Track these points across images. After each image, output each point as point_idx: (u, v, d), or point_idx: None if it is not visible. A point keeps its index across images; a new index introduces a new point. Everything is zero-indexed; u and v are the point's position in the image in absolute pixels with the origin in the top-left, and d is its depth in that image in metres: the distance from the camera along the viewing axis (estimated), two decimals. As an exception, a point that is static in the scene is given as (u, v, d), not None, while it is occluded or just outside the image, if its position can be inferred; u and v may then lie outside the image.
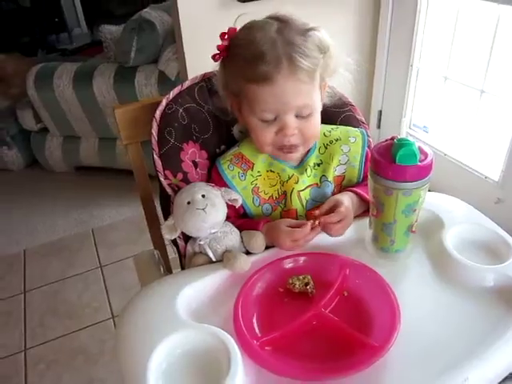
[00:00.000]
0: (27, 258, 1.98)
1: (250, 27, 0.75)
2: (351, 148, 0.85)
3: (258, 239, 0.75)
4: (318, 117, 0.79)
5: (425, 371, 0.56)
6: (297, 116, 0.76)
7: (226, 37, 0.76)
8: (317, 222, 0.74)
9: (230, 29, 0.76)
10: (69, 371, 1.48)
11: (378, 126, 2.28)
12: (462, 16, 1.78)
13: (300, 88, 0.73)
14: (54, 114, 2.26)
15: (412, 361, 0.58)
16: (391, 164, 0.64)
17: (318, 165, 0.85)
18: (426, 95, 2.05)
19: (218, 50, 0.76)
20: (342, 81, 0.82)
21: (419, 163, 0.64)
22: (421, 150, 0.65)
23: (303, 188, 0.83)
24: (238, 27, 0.77)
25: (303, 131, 0.77)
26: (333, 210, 0.76)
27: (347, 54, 0.81)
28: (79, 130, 2.32)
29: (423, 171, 0.64)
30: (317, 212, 0.76)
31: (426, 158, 0.65)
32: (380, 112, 2.26)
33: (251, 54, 0.72)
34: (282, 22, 0.74)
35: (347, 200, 0.79)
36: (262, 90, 0.73)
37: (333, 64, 0.78)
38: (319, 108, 0.80)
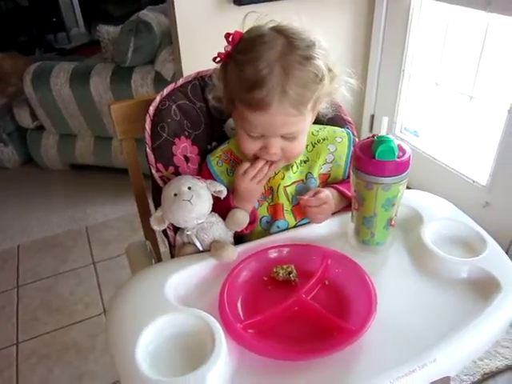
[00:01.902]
0: (21, 254, 1.99)
1: (254, 41, 0.74)
2: (337, 147, 0.88)
3: (240, 214, 0.79)
4: (303, 137, 0.82)
5: (397, 353, 0.59)
6: (282, 137, 0.78)
7: (231, 39, 0.76)
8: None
9: (235, 32, 0.76)
10: (60, 365, 1.50)
11: (371, 130, 2.33)
12: (453, 23, 1.82)
13: (288, 120, 0.75)
14: (51, 112, 2.28)
15: (386, 344, 0.61)
16: (371, 159, 0.67)
17: (305, 162, 0.88)
18: (417, 100, 2.09)
19: (219, 56, 0.77)
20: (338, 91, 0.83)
21: (397, 159, 0.67)
22: (399, 147, 0.68)
23: (289, 184, 0.86)
24: (246, 26, 0.77)
25: (286, 151, 0.80)
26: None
27: (339, 58, 0.81)
28: (75, 128, 2.34)
29: (401, 167, 0.68)
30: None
31: (404, 154, 0.68)
32: (372, 116, 2.30)
33: (248, 77, 0.72)
34: (287, 42, 0.73)
35: (328, 191, 0.83)
36: (252, 115, 0.75)
37: (334, 86, 0.79)
38: (307, 128, 0.82)
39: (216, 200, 0.80)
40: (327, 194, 0.81)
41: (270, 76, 0.71)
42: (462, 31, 1.81)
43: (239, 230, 0.81)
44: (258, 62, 0.71)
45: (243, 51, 0.74)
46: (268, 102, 0.72)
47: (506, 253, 0.75)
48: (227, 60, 0.77)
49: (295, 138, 0.79)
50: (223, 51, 0.77)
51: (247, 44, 0.75)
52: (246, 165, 0.81)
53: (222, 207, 0.82)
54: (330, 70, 0.76)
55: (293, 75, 0.71)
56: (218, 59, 0.78)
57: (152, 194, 0.91)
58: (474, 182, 1.83)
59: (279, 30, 0.75)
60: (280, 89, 0.71)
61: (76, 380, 1.44)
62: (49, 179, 2.50)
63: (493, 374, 1.37)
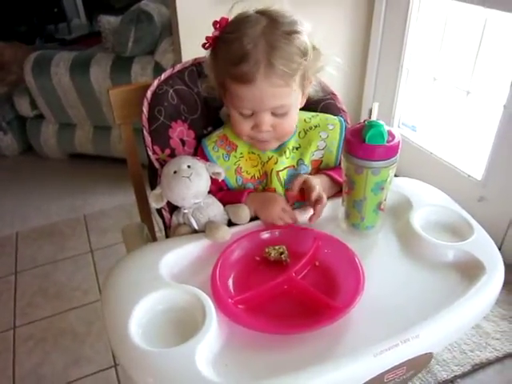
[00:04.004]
0: (19, 241, 2.01)
1: (239, 22, 0.78)
2: (329, 134, 0.90)
3: (245, 211, 0.81)
4: (293, 114, 0.83)
5: (382, 329, 0.61)
6: (273, 113, 0.80)
7: (218, 26, 0.79)
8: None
9: (222, 18, 0.79)
10: (56, 349, 1.52)
11: (368, 125, 2.34)
12: (451, 19, 1.84)
13: (275, 91, 0.77)
14: (50, 101, 2.29)
15: (372, 321, 0.63)
16: (361, 144, 0.69)
17: (297, 148, 0.89)
18: (415, 95, 2.11)
19: (207, 40, 0.80)
20: (332, 78, 0.86)
21: (387, 144, 0.69)
22: (389, 133, 0.70)
23: (282, 168, 0.87)
24: (232, 16, 0.79)
25: (277, 128, 0.82)
26: (308, 191, 0.81)
27: (339, 52, 0.84)
28: (75, 117, 2.35)
29: (390, 151, 0.69)
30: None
31: (393, 139, 0.70)
32: (370, 111, 2.31)
33: (235, 52, 0.75)
34: (270, 20, 0.76)
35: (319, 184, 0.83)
36: (241, 89, 0.77)
37: (319, 63, 0.82)
38: (297, 105, 0.84)
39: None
40: (319, 192, 0.81)
41: (254, 49, 0.74)
42: (460, 27, 1.83)
43: (239, 223, 0.82)
44: (243, 38, 0.74)
45: (230, 32, 0.77)
46: (254, 74, 0.74)
47: (499, 248, 0.76)
48: (215, 45, 0.80)
49: (286, 114, 0.81)
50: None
51: (233, 25, 0.78)
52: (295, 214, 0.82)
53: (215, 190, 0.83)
54: (314, 48, 0.79)
55: (278, 48, 0.74)
56: (207, 44, 0.80)
57: (148, 176, 0.93)
58: (469, 176, 1.85)
59: (263, 12, 0.78)
60: (265, 61, 0.74)
61: (72, 364, 1.46)
62: (48, 168, 2.51)
63: (483, 366, 1.39)
